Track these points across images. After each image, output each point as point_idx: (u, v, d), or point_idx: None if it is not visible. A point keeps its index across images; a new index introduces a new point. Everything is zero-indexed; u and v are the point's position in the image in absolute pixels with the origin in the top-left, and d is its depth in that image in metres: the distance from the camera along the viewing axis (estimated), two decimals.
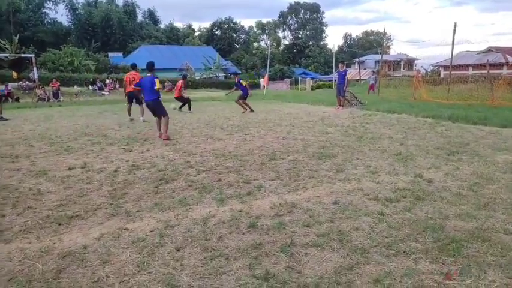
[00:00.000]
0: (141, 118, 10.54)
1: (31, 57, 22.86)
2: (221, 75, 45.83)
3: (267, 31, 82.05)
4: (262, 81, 29.85)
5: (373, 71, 36.23)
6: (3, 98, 16.36)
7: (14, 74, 24.66)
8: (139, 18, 65.69)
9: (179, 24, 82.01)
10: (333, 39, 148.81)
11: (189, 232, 3.11)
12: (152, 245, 2.88)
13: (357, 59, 47.62)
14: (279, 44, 79.70)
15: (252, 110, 13.05)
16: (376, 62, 50.67)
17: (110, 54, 45.85)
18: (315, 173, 4.83)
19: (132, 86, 9.70)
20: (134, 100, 10.89)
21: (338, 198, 3.86)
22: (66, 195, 4.13)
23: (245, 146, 6.80)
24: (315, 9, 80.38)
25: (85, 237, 3.06)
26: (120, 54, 49.42)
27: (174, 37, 64.89)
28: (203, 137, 7.98)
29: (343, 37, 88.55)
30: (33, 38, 47.98)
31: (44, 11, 57.07)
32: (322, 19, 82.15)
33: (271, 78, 41.18)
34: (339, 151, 6.19)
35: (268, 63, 28.95)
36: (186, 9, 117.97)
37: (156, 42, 56.60)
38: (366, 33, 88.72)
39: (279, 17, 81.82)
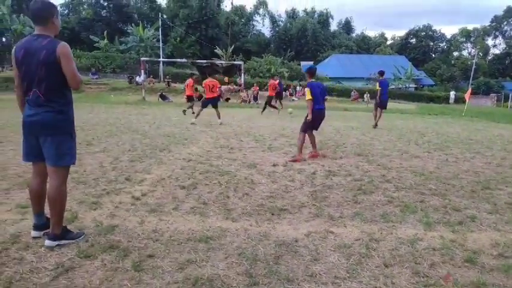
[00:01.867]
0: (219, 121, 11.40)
1: (240, 65, 26.69)
2: (411, 86, 42.72)
3: (472, 39, 71.64)
4: (464, 96, 26.27)
5: None
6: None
7: (226, 79, 29.46)
8: (333, 27, 67.88)
9: (371, 33, 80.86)
10: None
11: (396, 250, 3.00)
12: (359, 254, 2.91)
13: None
14: (486, 54, 68.56)
15: (376, 124, 11.73)
16: None
17: (302, 63, 48.96)
18: None
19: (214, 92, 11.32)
20: (210, 104, 11.45)
21: None
22: (274, 189, 4.63)
23: (448, 168, 6.12)
24: None
25: (295, 231, 3.35)
26: (311, 63, 52.19)
27: (365, 46, 64.22)
28: (397, 151, 7.60)
29: None
30: (242, 47, 55.80)
31: (252, 23, 65.70)
32: None
33: (473, 93, 35.75)
34: None
35: (471, 74, 25.29)
36: (379, 17, 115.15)
37: (346, 52, 57.30)
38: None
39: (491, 22, 70.16)
